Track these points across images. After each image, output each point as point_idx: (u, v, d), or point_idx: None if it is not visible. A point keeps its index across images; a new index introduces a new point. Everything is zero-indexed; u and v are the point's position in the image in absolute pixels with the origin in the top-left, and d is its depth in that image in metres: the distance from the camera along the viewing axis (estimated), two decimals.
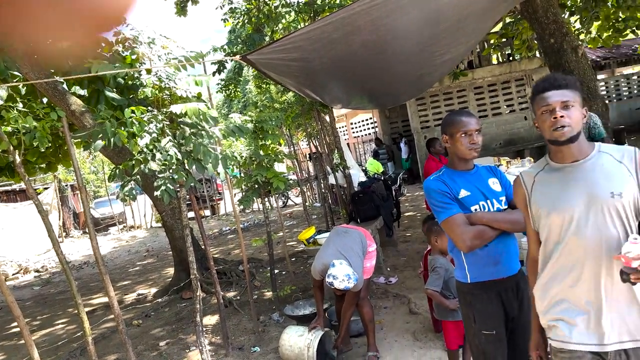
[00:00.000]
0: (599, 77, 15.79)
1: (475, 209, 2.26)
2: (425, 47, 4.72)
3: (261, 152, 4.68)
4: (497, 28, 12.13)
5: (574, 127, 1.72)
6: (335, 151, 7.78)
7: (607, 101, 10.82)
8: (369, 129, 18.06)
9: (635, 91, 16.44)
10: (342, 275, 3.46)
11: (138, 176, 3.75)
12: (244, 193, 5.06)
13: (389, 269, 6.10)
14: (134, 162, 3.66)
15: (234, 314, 5.47)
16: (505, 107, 14.64)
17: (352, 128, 19.36)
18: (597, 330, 1.71)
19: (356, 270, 3.59)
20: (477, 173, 2.36)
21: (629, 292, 1.68)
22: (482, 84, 14.45)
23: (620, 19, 11.85)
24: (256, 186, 4.77)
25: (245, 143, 5.35)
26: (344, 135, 19.22)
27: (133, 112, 3.69)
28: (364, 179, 8.37)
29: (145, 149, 3.60)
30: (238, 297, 6.10)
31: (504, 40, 12.99)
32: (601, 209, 1.69)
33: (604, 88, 16.05)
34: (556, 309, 1.80)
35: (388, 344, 4.07)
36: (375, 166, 11.67)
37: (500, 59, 15.24)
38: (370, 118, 17.57)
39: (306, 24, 7.98)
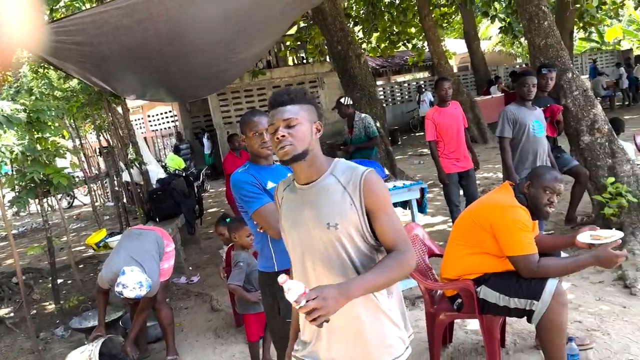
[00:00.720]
0: (378, 83, 17.86)
1: None
2: (223, 43, 4.70)
3: (38, 147, 4.10)
4: (293, 31, 12.79)
5: (297, 145, 1.58)
6: (130, 145, 7.26)
7: (384, 104, 12.32)
8: (168, 122, 17.31)
9: (407, 96, 19.08)
10: (133, 283, 3.22)
11: None
12: (17, 193, 4.38)
13: (190, 268, 5.96)
14: None
15: (7, 334, 4.73)
16: None
17: (150, 121, 18.31)
18: (326, 355, 1.69)
19: (151, 275, 3.39)
20: (277, 168, 2.49)
21: (354, 323, 1.63)
22: (280, 83, 15.08)
23: (394, 33, 13.59)
24: (32, 185, 4.17)
25: (18, 136, 4.63)
26: (141, 128, 18.09)
27: None
28: (163, 175, 8.01)
29: None
30: (12, 314, 5.27)
31: (298, 43, 13.77)
32: (320, 239, 1.61)
33: (382, 93, 18.23)
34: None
35: (189, 344, 3.97)
36: (176, 162, 11.25)
37: (296, 61, 16.12)
38: (170, 111, 16.85)
39: (93, 5, 7.24)
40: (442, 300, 2.98)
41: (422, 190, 4.29)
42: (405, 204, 4.53)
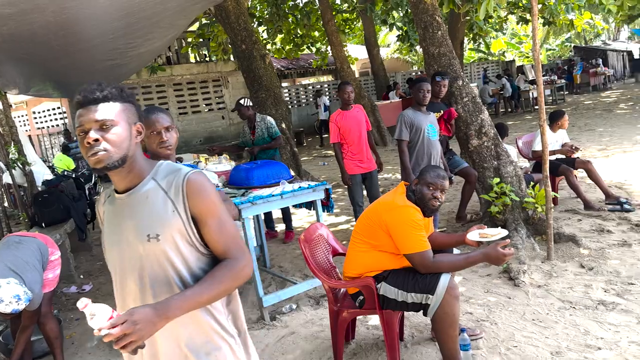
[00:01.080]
0: (283, 84, 17.93)
1: None
2: (119, 37, 4.44)
3: None
4: (194, 27, 12.43)
5: (113, 151, 1.36)
6: (12, 144, 6.62)
7: (289, 106, 12.40)
8: (56, 119, 16.02)
9: (311, 99, 19.32)
10: (10, 297, 2.90)
11: None
12: None
13: (82, 276, 5.56)
14: None
15: None
16: (204, 105, 15.13)
17: (35, 118, 16.85)
18: None
19: (32, 286, 3.09)
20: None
21: (181, 347, 1.46)
22: (181, 80, 14.59)
23: (299, 35, 13.72)
24: None
25: None
26: (25, 125, 16.61)
27: None
28: (50, 176, 7.41)
29: None
30: None
31: (200, 40, 13.42)
32: (142, 255, 1.42)
33: (287, 94, 18.32)
34: None
35: (80, 358, 3.69)
36: (65, 162, 10.43)
37: (198, 59, 15.68)
38: (59, 107, 15.61)
39: None
40: (345, 298, 3.04)
41: (327, 191, 4.36)
42: (310, 205, 4.57)
